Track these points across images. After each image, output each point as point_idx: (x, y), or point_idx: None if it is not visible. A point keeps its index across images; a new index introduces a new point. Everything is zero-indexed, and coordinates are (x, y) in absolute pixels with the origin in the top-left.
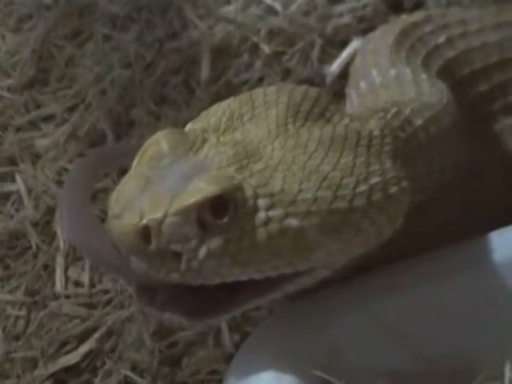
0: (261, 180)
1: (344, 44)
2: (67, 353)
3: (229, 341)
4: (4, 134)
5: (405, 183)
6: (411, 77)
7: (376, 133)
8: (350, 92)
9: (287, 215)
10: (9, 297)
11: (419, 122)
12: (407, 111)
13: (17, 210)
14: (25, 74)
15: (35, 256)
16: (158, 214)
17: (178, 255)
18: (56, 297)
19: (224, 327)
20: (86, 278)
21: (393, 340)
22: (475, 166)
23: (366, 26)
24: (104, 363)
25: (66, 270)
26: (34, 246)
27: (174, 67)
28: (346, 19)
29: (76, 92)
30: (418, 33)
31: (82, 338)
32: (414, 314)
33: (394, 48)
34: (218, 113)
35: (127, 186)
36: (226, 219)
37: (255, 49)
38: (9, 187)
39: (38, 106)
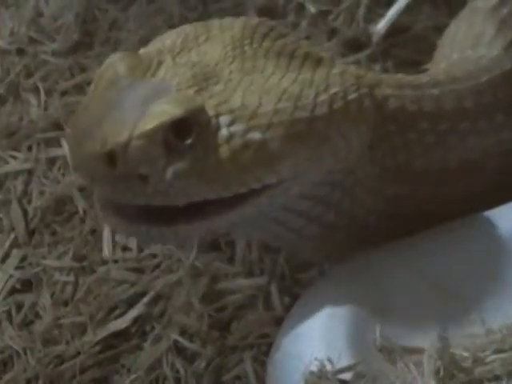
0: (221, 99)
1: (390, 2)
2: (116, 318)
3: (279, 304)
4: (49, 99)
5: (365, 89)
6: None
7: None
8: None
9: (249, 129)
10: (56, 263)
11: None
12: None
13: (63, 174)
14: (69, 38)
15: (82, 221)
16: (123, 138)
17: (144, 178)
18: (104, 262)
19: (274, 290)
20: (133, 243)
21: (443, 300)
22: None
23: None
24: (153, 328)
25: (113, 234)
26: (80, 211)
27: None
28: None
29: None
30: None
31: (131, 302)
32: (464, 275)
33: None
34: (172, 35)
35: (86, 112)
36: (190, 140)
37: (301, 8)
38: (55, 152)
39: (83, 70)
